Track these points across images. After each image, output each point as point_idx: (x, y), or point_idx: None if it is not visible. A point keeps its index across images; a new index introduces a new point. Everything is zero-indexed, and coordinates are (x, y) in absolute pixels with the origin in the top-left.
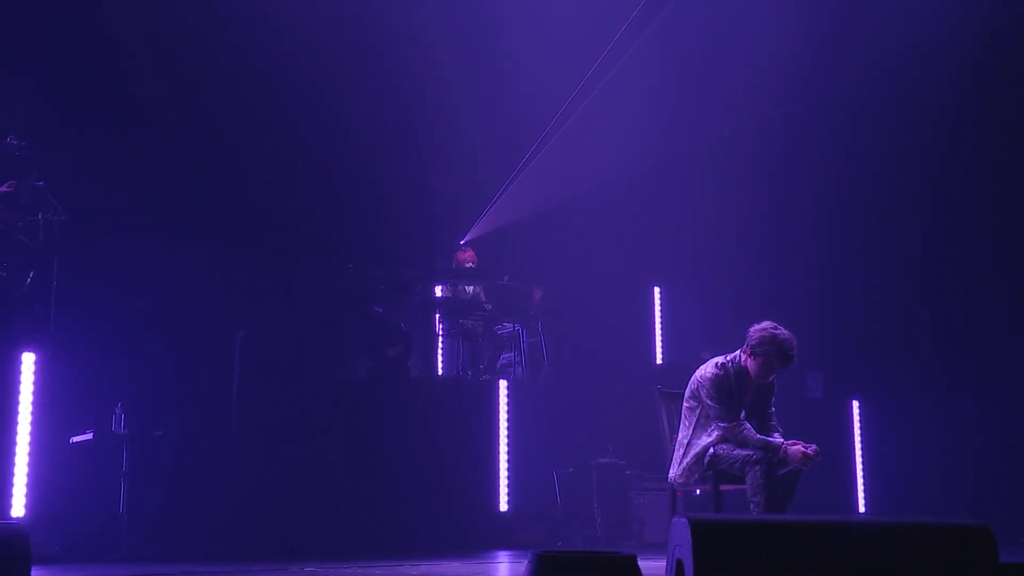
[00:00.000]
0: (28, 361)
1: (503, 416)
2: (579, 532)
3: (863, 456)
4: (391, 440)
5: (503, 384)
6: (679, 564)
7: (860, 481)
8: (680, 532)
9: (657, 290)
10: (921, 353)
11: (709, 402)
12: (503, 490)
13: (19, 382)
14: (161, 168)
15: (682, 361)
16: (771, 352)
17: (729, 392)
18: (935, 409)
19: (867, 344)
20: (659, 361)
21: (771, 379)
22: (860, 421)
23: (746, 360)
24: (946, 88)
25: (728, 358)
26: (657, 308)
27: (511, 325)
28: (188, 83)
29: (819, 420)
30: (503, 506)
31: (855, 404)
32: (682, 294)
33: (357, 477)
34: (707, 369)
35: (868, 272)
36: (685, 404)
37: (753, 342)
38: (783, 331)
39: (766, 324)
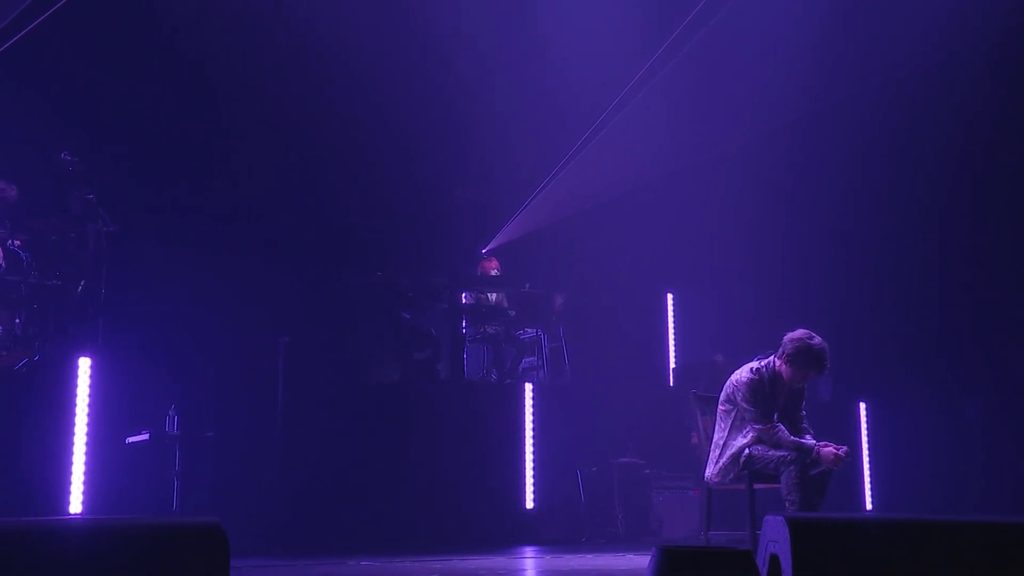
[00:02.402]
0: (84, 365)
1: (528, 417)
2: (601, 529)
3: (870, 458)
4: (422, 440)
5: (528, 387)
6: (774, 559)
7: (867, 482)
8: (777, 529)
9: (670, 296)
10: (928, 356)
11: (745, 405)
12: (529, 488)
13: (76, 385)
14: (206, 182)
15: (695, 364)
16: (805, 359)
17: (764, 396)
18: (942, 411)
19: (875, 347)
20: (673, 364)
21: (803, 384)
22: (867, 423)
23: (780, 366)
24: (955, 96)
25: (763, 363)
26: (670, 313)
27: (533, 330)
28: (232, 102)
29: (827, 422)
30: (529, 503)
31: (863, 406)
32: (694, 300)
33: (390, 476)
34: (742, 374)
35: (875, 276)
36: (720, 407)
37: (788, 349)
38: (817, 339)
39: (801, 332)
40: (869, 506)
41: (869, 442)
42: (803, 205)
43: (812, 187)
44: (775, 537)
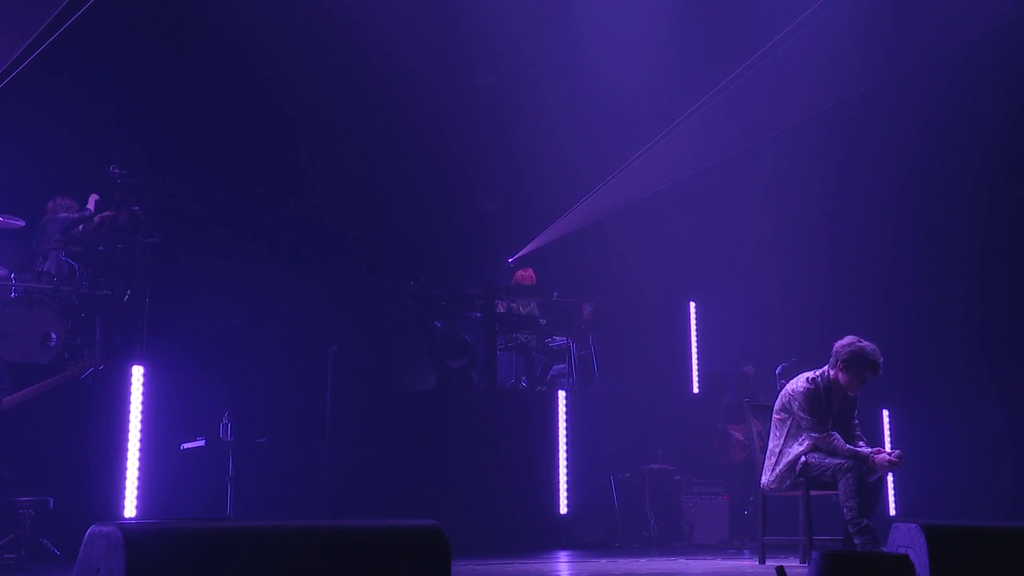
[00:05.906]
0: (137, 374)
1: (562, 424)
2: (634, 533)
3: None
4: (460, 447)
5: (561, 395)
6: None
7: (891, 489)
8: (911, 536)
9: (693, 305)
10: (950, 364)
11: (801, 414)
12: (563, 493)
13: (130, 393)
14: (252, 197)
15: (718, 372)
16: (860, 363)
17: (819, 404)
18: (963, 419)
19: (897, 355)
20: (696, 372)
21: (857, 392)
22: (890, 430)
23: (836, 374)
24: (995, 104)
25: (817, 373)
26: (693, 322)
27: (562, 338)
28: (276, 118)
29: None
30: (563, 508)
31: (885, 413)
32: (716, 309)
33: (430, 481)
34: (798, 383)
35: (897, 284)
36: (775, 416)
37: (842, 356)
38: (867, 343)
39: (850, 339)
40: (893, 512)
41: (892, 449)
42: (824, 215)
43: (834, 197)
44: (907, 543)
